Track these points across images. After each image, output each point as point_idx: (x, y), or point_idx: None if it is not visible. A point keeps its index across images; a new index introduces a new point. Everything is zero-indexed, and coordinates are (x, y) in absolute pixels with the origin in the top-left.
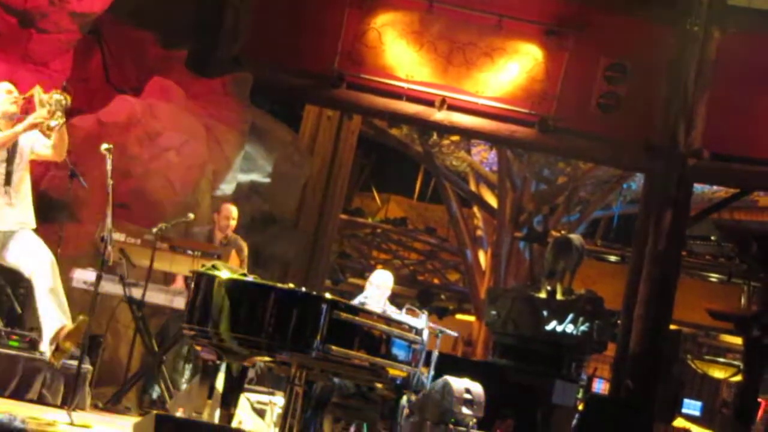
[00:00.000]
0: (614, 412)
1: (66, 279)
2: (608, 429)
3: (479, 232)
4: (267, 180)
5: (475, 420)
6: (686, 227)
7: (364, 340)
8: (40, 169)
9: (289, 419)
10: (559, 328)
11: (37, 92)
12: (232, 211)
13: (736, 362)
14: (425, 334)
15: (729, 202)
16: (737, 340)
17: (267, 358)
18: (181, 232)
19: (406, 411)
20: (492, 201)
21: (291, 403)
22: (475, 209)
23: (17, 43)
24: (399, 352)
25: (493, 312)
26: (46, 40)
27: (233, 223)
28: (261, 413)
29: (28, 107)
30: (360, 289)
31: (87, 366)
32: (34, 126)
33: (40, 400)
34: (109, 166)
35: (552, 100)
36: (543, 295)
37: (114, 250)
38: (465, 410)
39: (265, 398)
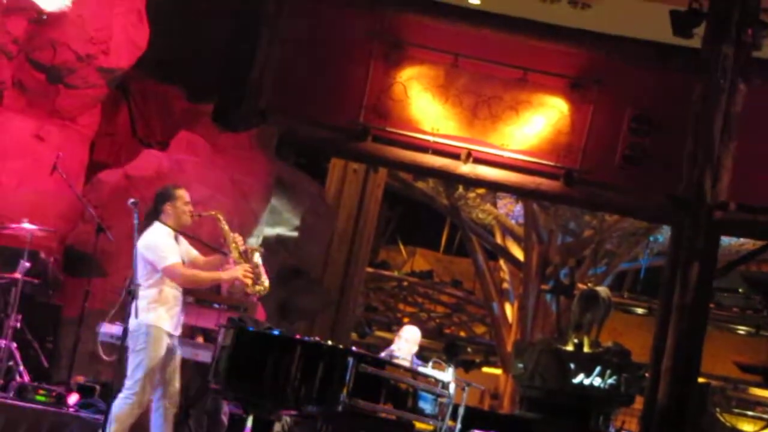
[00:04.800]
0: None
1: (93, 333)
2: None
3: (505, 285)
4: (293, 233)
5: None
6: (713, 279)
7: (390, 393)
8: (67, 225)
9: None
10: (587, 381)
11: (221, 221)
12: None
13: (765, 416)
14: (452, 388)
15: (756, 254)
16: (766, 393)
17: (293, 412)
18: None
19: None
20: (518, 254)
21: None
22: (502, 262)
23: (45, 99)
24: (425, 406)
25: (520, 365)
26: (74, 95)
27: None
28: None
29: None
30: (386, 341)
31: None
32: (236, 279)
33: None
34: (135, 221)
35: (577, 152)
36: (570, 347)
37: None
38: None
39: None
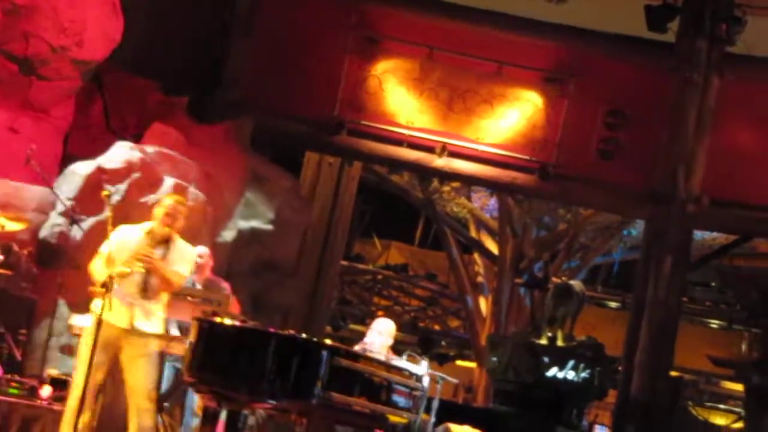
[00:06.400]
0: None
1: (66, 325)
2: None
3: (480, 279)
4: (267, 227)
5: None
6: (687, 273)
7: (364, 386)
8: (40, 217)
9: None
10: (560, 375)
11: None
12: (202, 251)
13: (737, 409)
14: (426, 381)
15: (729, 248)
16: (738, 387)
17: (267, 405)
18: None
19: None
20: (493, 247)
21: None
22: (476, 255)
23: (18, 91)
24: (400, 399)
25: (494, 358)
26: (48, 87)
27: (203, 262)
28: None
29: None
30: (361, 335)
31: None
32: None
33: None
34: (109, 213)
35: (552, 146)
36: (544, 341)
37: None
38: None
39: None
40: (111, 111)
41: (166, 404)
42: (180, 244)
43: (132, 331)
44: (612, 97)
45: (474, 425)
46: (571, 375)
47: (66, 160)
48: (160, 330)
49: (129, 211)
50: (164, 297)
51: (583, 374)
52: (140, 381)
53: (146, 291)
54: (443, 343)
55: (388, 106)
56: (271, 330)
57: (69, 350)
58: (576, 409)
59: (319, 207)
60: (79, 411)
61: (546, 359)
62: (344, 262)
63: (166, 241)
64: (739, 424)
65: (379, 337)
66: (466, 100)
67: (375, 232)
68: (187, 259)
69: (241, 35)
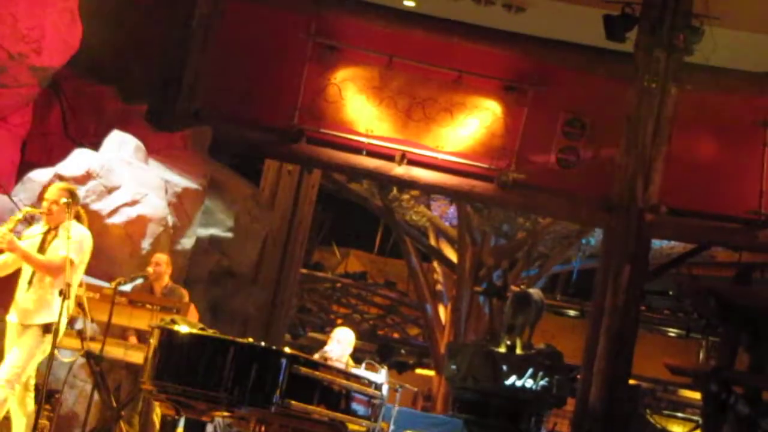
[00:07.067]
0: None
1: None
2: None
3: (439, 287)
4: (227, 234)
5: None
6: (644, 282)
7: (323, 394)
8: None
9: None
10: (519, 383)
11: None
12: (161, 258)
13: (694, 417)
14: (385, 389)
15: (687, 257)
16: (696, 395)
17: (226, 413)
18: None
19: None
20: (452, 255)
21: None
22: (435, 264)
23: None
24: (358, 407)
25: (453, 366)
26: (5, 94)
27: (161, 269)
28: None
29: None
30: (320, 343)
31: (44, 421)
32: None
33: None
34: (67, 220)
35: (511, 155)
36: (502, 349)
37: (72, 303)
38: None
39: None
40: (69, 118)
41: (124, 412)
42: (68, 229)
43: (10, 323)
44: (571, 106)
45: None
46: (529, 383)
47: (24, 167)
48: (43, 320)
49: (87, 219)
50: (54, 285)
51: (542, 382)
52: (6, 365)
53: (32, 282)
54: (402, 351)
55: (347, 115)
56: (230, 338)
57: None
58: (535, 417)
59: (278, 215)
60: (38, 413)
61: (505, 367)
62: (303, 270)
63: (56, 229)
64: None
65: (339, 345)
66: (425, 109)
67: (334, 240)
68: (72, 240)
69: (201, 43)
